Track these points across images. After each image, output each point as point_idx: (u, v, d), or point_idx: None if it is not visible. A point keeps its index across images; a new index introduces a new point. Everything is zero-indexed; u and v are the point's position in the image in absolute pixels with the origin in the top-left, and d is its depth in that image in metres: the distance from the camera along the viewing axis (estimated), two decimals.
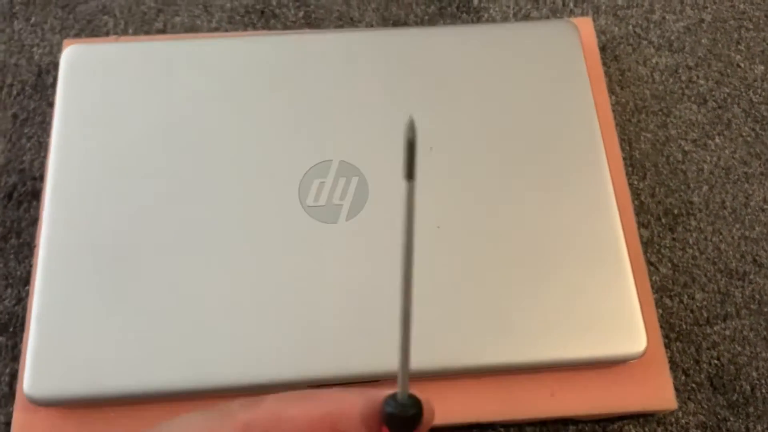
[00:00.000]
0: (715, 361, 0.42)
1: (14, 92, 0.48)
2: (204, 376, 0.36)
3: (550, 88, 0.42)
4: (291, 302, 0.37)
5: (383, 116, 0.41)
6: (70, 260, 0.37)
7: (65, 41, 0.47)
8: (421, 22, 0.51)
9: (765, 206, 0.46)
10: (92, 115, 0.41)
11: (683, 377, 0.41)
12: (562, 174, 0.40)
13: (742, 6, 0.52)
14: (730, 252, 0.44)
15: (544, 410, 0.38)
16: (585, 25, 0.47)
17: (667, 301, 0.43)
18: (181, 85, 0.42)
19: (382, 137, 0.41)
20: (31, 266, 0.42)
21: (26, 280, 0.42)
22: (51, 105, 0.47)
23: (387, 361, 0.37)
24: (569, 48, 0.44)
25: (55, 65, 0.48)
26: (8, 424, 0.39)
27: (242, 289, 0.37)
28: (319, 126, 0.41)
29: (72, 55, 0.43)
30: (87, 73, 0.42)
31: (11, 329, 0.41)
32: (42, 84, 0.48)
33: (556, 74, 0.43)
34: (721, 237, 0.45)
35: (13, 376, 0.40)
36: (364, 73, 0.43)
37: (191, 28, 0.50)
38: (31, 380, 0.35)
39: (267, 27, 0.50)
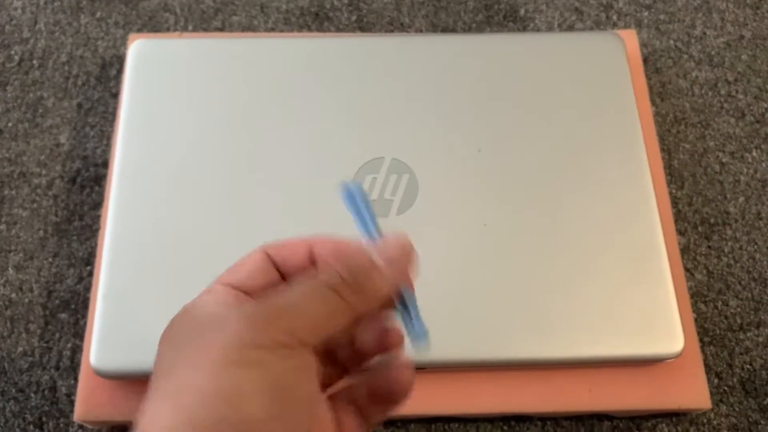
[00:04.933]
0: (748, 366, 0.43)
1: (79, 83, 0.50)
2: None
3: (596, 96, 0.44)
4: None
5: (434, 118, 0.43)
6: (134, 242, 0.40)
7: (131, 35, 0.49)
8: (468, 30, 0.53)
9: None
10: (157, 106, 0.43)
11: (716, 380, 0.43)
12: (606, 178, 0.42)
13: None
14: (765, 261, 0.46)
15: (582, 405, 0.39)
16: (630, 37, 0.48)
17: (702, 306, 0.44)
18: (242, 81, 0.44)
19: (433, 138, 0.42)
20: (92, 247, 0.45)
21: (87, 260, 0.44)
22: (114, 95, 0.49)
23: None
24: (615, 59, 0.45)
25: (119, 58, 0.51)
26: (69, 395, 0.41)
27: None
28: (372, 125, 0.43)
29: (139, 49, 0.45)
30: (153, 66, 0.45)
31: (73, 306, 0.43)
32: (105, 75, 0.50)
33: (602, 83, 0.44)
34: (756, 247, 0.46)
35: (74, 351, 0.42)
36: (416, 75, 0.45)
37: (248, 28, 0.52)
38: (97, 354, 0.37)
39: (321, 29, 0.52)
